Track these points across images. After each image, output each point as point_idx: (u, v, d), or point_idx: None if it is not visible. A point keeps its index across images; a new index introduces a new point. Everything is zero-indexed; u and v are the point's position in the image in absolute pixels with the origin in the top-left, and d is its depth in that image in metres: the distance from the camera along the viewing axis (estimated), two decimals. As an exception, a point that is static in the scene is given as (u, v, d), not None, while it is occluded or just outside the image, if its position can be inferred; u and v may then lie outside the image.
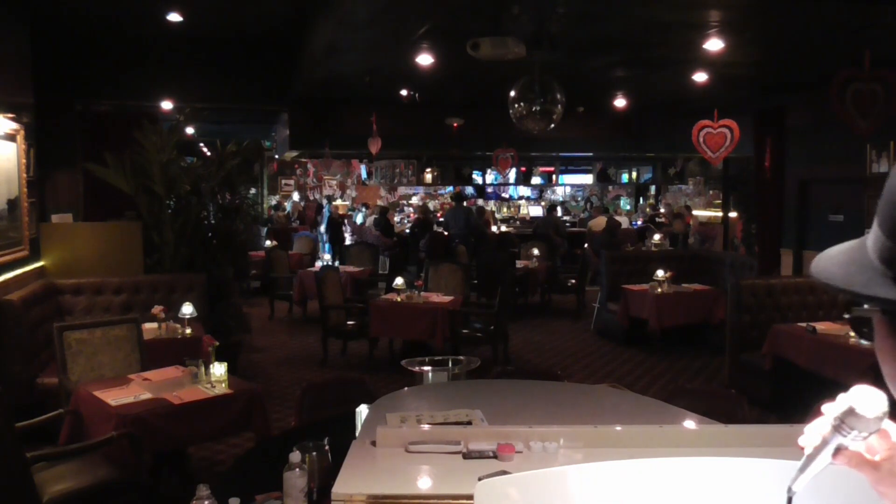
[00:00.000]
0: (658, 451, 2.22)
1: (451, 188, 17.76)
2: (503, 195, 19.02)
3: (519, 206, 18.82)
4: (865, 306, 0.76)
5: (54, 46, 8.04)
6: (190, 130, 12.54)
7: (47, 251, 6.72)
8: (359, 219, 16.60)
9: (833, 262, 0.76)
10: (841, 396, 0.83)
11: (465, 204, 13.21)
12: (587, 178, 18.61)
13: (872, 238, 0.72)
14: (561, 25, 6.36)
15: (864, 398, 0.81)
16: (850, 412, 0.81)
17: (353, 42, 7.11)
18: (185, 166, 7.19)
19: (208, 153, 12.92)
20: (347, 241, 14.85)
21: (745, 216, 12.60)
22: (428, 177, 16.96)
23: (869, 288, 0.70)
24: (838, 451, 0.85)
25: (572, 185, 19.48)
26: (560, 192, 19.60)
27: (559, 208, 16.71)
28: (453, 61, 7.70)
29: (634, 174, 18.01)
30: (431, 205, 18.03)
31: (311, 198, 19.12)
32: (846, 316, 6.02)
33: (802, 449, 0.89)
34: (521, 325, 9.23)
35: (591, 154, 16.21)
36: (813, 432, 0.87)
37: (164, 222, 6.70)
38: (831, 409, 0.84)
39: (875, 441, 0.84)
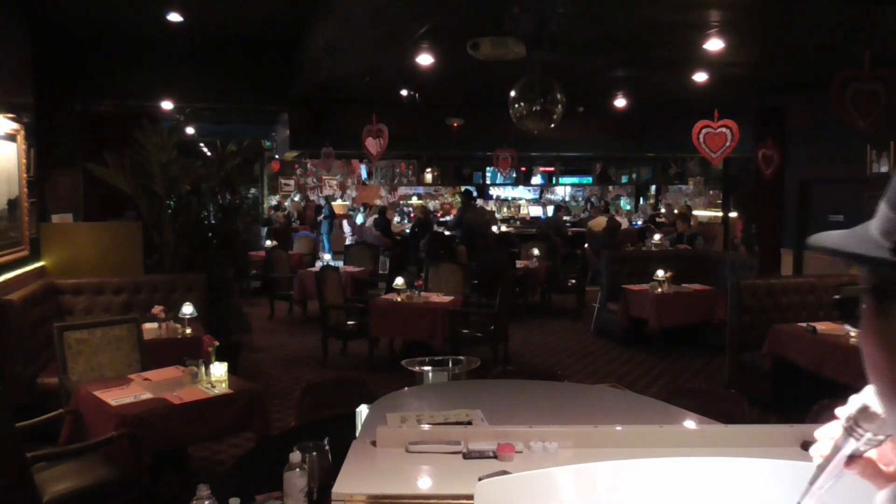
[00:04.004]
0: (658, 451, 2.22)
1: (454, 188, 17.79)
2: (503, 196, 19.04)
3: (519, 206, 18.84)
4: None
5: (54, 46, 8.04)
6: (190, 130, 12.54)
7: (47, 251, 6.72)
8: (359, 219, 16.61)
9: (831, 234, 0.74)
10: (853, 397, 0.77)
11: (477, 203, 13.13)
12: (587, 179, 18.63)
13: (877, 215, 0.69)
14: (561, 25, 6.36)
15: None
16: (864, 411, 0.75)
17: (353, 42, 7.11)
18: (185, 166, 7.18)
19: (208, 153, 12.92)
20: (348, 241, 14.86)
21: (745, 216, 12.61)
22: (428, 177, 16.98)
23: (862, 249, 0.68)
24: (852, 458, 0.77)
25: (572, 186, 19.50)
26: (560, 192, 19.62)
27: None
28: (453, 61, 7.70)
29: (634, 174, 18.03)
30: (431, 205, 18.04)
31: (311, 198, 19.13)
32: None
33: (812, 458, 0.81)
34: (521, 325, 9.22)
35: (591, 154, 16.21)
36: (824, 439, 0.80)
37: (164, 222, 6.70)
38: (843, 411, 0.78)
39: (889, 450, 0.78)
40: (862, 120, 5.90)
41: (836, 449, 0.78)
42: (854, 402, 0.77)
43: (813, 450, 0.82)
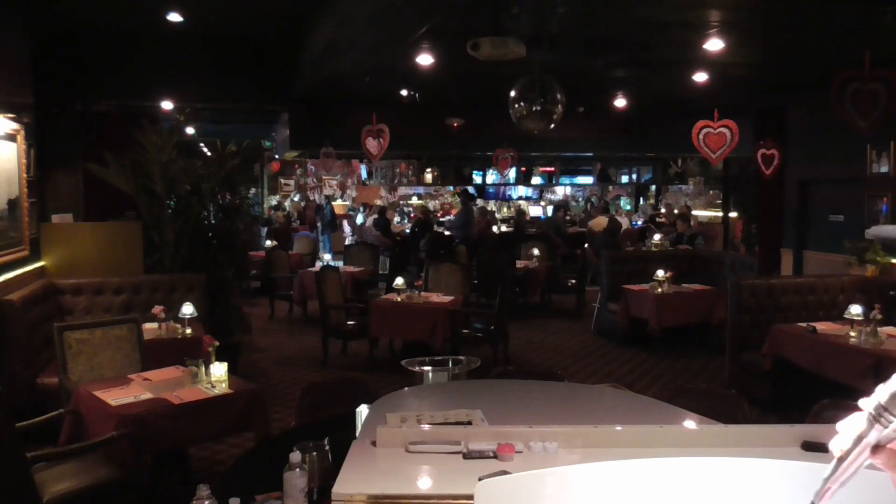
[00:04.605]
0: (658, 451, 2.22)
1: (451, 188, 17.77)
2: (505, 196, 19.04)
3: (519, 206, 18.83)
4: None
5: (54, 46, 8.04)
6: (190, 130, 12.55)
7: (47, 251, 6.72)
8: (359, 219, 16.61)
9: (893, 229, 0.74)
10: (881, 386, 0.77)
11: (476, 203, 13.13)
12: (587, 179, 18.63)
13: None
14: (561, 25, 6.36)
15: None
16: (895, 397, 0.75)
17: (353, 42, 7.11)
18: (185, 166, 7.18)
19: (208, 153, 12.92)
20: (348, 241, 14.86)
21: (746, 216, 12.61)
22: (428, 177, 16.97)
23: None
24: (876, 448, 0.77)
25: (572, 186, 19.50)
26: (560, 192, 19.61)
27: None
28: (453, 61, 7.70)
29: (634, 174, 18.02)
30: (431, 205, 18.04)
31: (312, 198, 19.14)
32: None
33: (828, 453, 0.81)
34: (521, 325, 9.23)
35: (591, 154, 16.22)
36: (845, 433, 0.79)
37: (164, 222, 6.70)
38: (869, 401, 0.77)
39: None
40: (862, 120, 5.90)
41: (860, 439, 0.78)
42: (882, 390, 0.77)
43: (833, 443, 0.80)
